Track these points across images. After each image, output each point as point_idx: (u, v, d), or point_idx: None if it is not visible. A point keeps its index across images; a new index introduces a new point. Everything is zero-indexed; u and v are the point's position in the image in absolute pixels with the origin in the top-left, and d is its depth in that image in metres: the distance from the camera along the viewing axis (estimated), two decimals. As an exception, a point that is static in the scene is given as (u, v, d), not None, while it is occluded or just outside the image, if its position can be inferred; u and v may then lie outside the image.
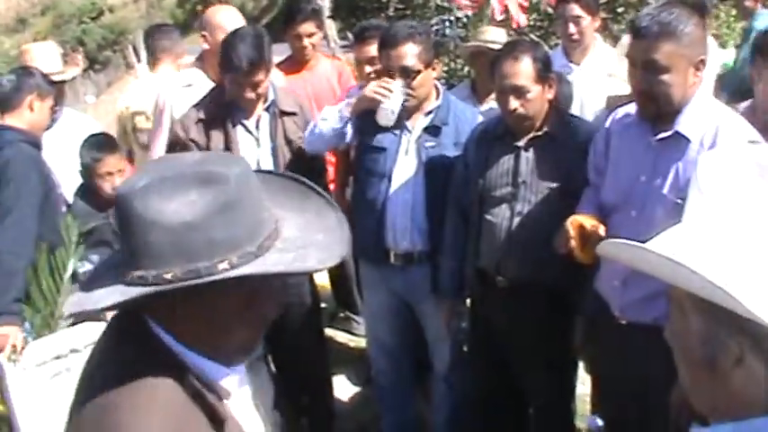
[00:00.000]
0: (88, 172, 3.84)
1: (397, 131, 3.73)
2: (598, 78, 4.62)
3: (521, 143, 3.39)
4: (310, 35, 4.91)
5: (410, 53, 3.60)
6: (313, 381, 4.36)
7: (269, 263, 1.40)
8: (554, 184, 3.33)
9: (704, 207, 1.22)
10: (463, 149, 3.62)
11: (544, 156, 3.36)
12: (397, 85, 3.61)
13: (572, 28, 4.75)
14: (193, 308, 1.42)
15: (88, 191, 3.86)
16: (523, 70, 3.29)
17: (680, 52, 2.70)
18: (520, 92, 3.29)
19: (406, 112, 3.72)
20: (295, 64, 4.96)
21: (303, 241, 1.46)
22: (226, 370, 1.51)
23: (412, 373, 4.22)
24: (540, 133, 3.37)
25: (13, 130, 3.72)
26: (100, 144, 3.90)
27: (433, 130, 3.74)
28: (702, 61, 2.77)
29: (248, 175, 1.45)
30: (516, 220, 3.37)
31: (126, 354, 1.43)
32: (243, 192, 1.41)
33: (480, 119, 3.85)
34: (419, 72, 3.63)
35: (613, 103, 3.62)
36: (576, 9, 4.71)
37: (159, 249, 1.35)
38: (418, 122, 3.76)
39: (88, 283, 1.45)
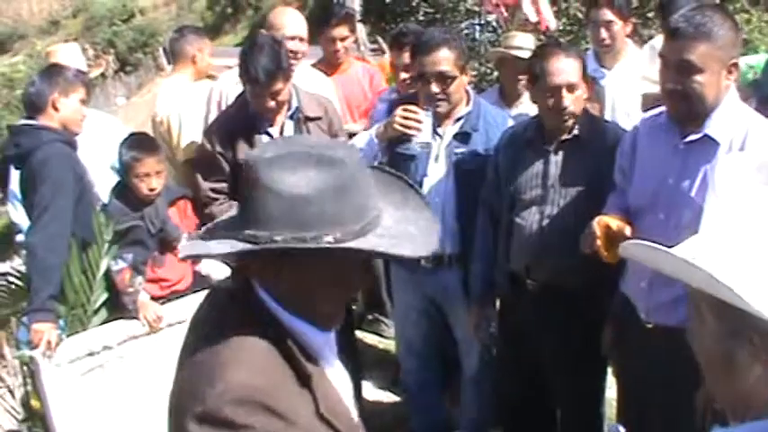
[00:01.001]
0: (126, 171, 3.86)
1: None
2: (632, 82, 4.60)
3: (550, 147, 3.40)
4: (343, 38, 4.93)
5: (446, 59, 3.62)
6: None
7: (368, 244, 1.55)
8: (583, 187, 3.33)
9: (721, 212, 1.23)
10: (493, 154, 3.63)
11: (573, 159, 3.37)
12: (424, 115, 3.64)
13: (603, 33, 4.73)
14: (295, 273, 1.59)
15: (124, 190, 3.89)
16: (574, 67, 3.31)
17: (714, 54, 2.70)
18: (573, 88, 3.30)
19: (438, 119, 3.75)
20: (327, 67, 4.98)
21: (398, 231, 1.61)
22: (317, 331, 1.66)
23: (440, 375, 4.23)
24: (569, 136, 3.38)
25: (48, 130, 3.78)
26: (140, 144, 3.91)
27: (463, 137, 3.75)
28: (735, 65, 2.76)
29: (362, 164, 1.62)
30: (546, 222, 3.37)
31: (233, 311, 1.63)
32: (356, 177, 1.56)
33: (510, 123, 3.86)
34: (454, 78, 3.65)
35: (649, 100, 3.61)
36: (607, 14, 4.70)
37: (274, 215, 1.52)
38: (448, 129, 3.77)
39: (204, 235, 1.64)
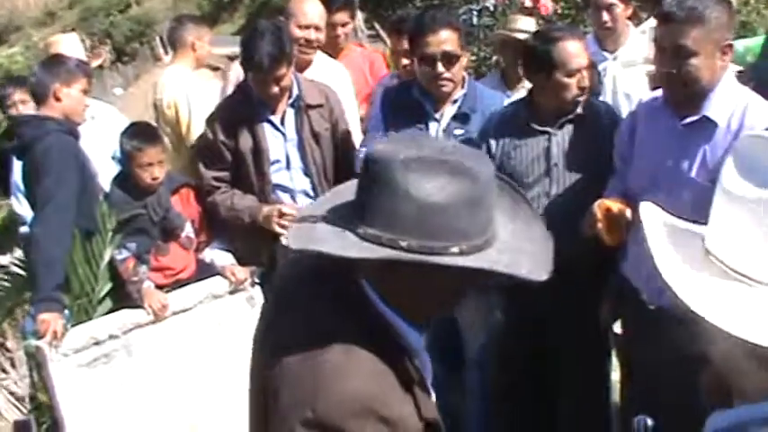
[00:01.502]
0: (128, 160, 3.86)
1: (423, 126, 3.75)
2: (634, 65, 4.60)
3: (551, 127, 3.43)
4: (344, 24, 4.94)
5: (450, 39, 3.62)
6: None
7: (489, 259, 1.52)
8: (586, 165, 3.37)
9: (728, 209, 1.24)
10: (482, 139, 3.61)
11: (575, 138, 3.40)
12: None
13: (605, 15, 4.70)
14: (409, 278, 1.53)
15: (126, 179, 3.90)
16: (584, 50, 3.39)
17: (708, 36, 2.73)
18: (589, 68, 3.39)
19: (434, 103, 3.75)
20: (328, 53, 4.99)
21: (515, 247, 1.59)
22: (416, 333, 1.64)
23: (443, 365, 4.24)
24: (571, 116, 3.41)
25: (51, 121, 3.78)
26: (142, 133, 3.93)
27: (461, 118, 3.75)
28: (730, 45, 2.79)
29: (493, 177, 1.57)
30: (551, 202, 3.39)
31: (338, 309, 1.57)
32: (487, 191, 1.53)
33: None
34: (458, 58, 3.66)
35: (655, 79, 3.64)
36: None
37: (403, 218, 1.47)
38: (446, 111, 3.77)
39: (310, 219, 1.56)
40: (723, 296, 1.16)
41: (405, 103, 3.79)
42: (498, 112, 3.68)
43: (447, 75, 3.66)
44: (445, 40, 3.61)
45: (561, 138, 3.41)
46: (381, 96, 4.02)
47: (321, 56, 4.66)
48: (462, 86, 3.79)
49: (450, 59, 3.64)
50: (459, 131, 3.73)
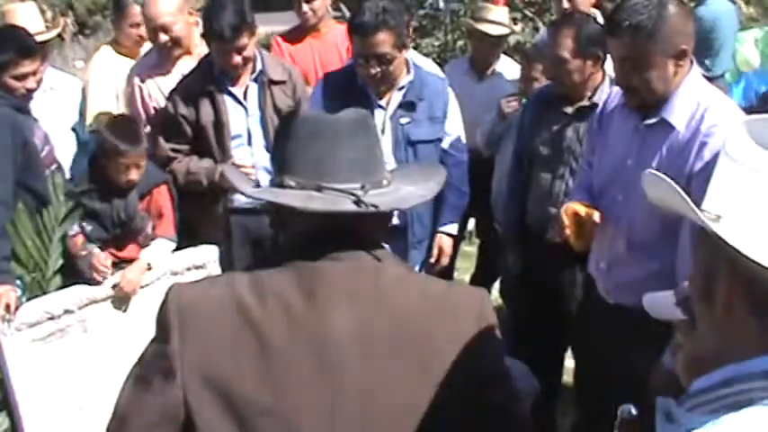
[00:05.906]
0: (106, 157, 3.70)
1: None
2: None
3: (569, 110, 3.57)
4: (309, 1, 4.92)
5: (384, 41, 3.55)
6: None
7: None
8: None
9: (736, 172, 1.17)
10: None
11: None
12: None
13: (565, 3, 4.66)
14: None
15: (98, 171, 3.76)
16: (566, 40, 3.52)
17: (655, 48, 2.65)
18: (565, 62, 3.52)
19: (379, 94, 3.73)
20: (301, 31, 4.97)
21: None
22: None
23: None
24: (587, 103, 3.53)
25: None
26: (126, 134, 3.70)
27: (407, 106, 3.75)
28: (684, 51, 2.69)
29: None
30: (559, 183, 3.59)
31: None
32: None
33: (449, 89, 3.93)
34: (394, 58, 3.61)
35: None
36: None
37: None
38: (393, 98, 3.75)
39: None
40: None
41: (348, 90, 3.72)
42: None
43: (379, 76, 3.63)
44: (380, 42, 3.55)
45: (578, 123, 3.62)
46: (322, 82, 3.97)
47: None
48: (408, 72, 3.77)
49: (383, 61, 3.59)
50: (405, 120, 3.72)
